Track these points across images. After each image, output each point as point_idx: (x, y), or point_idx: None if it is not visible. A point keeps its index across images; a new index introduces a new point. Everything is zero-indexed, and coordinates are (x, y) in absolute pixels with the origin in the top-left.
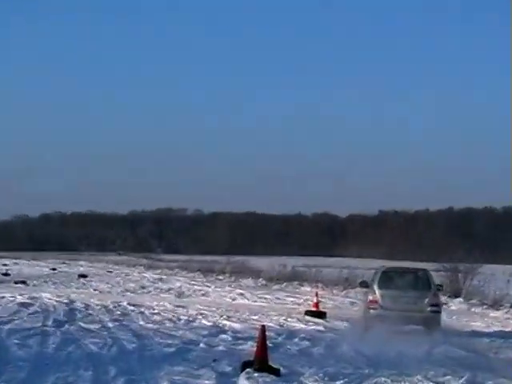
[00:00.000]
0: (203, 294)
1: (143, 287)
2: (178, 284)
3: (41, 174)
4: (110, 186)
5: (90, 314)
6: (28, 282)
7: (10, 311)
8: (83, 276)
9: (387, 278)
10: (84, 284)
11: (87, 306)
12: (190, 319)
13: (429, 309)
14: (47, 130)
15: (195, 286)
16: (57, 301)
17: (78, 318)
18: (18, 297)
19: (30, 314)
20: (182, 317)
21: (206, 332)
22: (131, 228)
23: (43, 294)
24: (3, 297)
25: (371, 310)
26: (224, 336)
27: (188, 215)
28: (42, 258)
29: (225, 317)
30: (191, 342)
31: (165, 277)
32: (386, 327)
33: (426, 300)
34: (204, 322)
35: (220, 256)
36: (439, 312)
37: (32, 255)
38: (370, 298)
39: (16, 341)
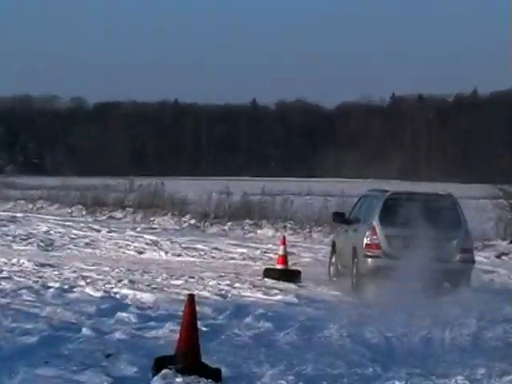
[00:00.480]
0: (88, 244)
1: None
2: (44, 227)
3: None
4: None
5: None
6: None
7: None
8: None
9: (393, 209)
10: None
11: None
12: (65, 287)
13: (458, 257)
14: None
15: (74, 231)
16: None
17: None
18: None
19: None
20: (50, 283)
21: (92, 309)
22: None
23: None
24: None
25: (369, 260)
26: (124, 315)
27: (60, 108)
28: None
29: (125, 282)
30: (67, 325)
31: (20, 215)
32: (396, 288)
33: (455, 243)
34: (89, 291)
35: (116, 177)
36: (473, 262)
37: None
38: (367, 240)
39: None
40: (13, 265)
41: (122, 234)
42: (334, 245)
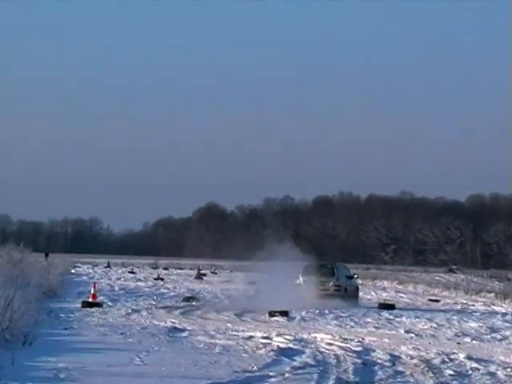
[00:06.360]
0: None
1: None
2: None
3: None
4: None
5: (400, 374)
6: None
7: (263, 362)
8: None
9: (309, 268)
10: (390, 319)
11: (395, 359)
12: None
13: (333, 288)
14: None
15: None
16: (341, 347)
17: (378, 379)
18: (276, 338)
19: (295, 368)
20: None
21: None
22: None
23: (318, 336)
24: (250, 337)
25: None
26: None
27: None
28: None
29: None
30: None
31: None
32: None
33: (332, 281)
34: None
35: None
36: (339, 290)
37: None
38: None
39: None
40: None
41: None
42: None
